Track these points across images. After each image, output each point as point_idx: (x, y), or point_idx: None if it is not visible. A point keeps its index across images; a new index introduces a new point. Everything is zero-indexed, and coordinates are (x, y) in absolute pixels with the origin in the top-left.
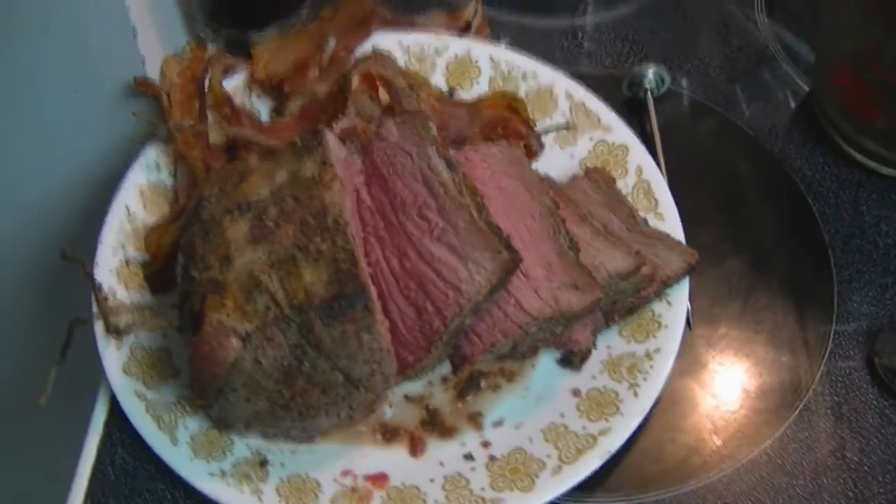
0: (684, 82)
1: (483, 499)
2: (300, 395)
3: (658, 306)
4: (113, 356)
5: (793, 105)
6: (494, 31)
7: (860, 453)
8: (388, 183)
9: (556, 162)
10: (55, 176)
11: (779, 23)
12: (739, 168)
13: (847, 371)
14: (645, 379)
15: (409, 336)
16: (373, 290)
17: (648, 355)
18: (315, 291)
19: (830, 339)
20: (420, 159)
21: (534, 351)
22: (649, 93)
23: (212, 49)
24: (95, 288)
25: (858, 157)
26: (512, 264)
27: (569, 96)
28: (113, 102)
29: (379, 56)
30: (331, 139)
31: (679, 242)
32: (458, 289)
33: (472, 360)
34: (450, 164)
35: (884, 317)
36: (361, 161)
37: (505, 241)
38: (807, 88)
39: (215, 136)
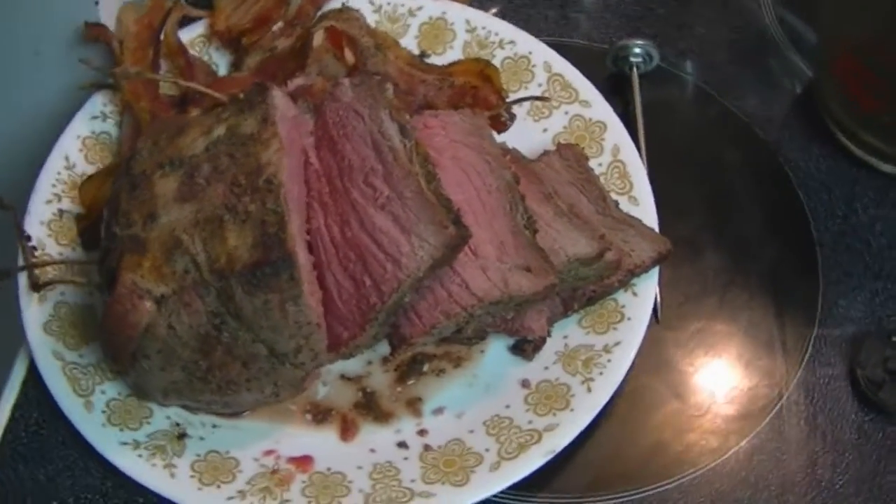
0: (675, 61)
1: (411, 491)
2: (218, 367)
3: (623, 297)
4: (34, 312)
5: (791, 92)
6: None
7: (832, 470)
8: (338, 146)
9: (528, 135)
10: None
11: (782, 2)
12: (728, 155)
13: (826, 380)
14: (601, 373)
15: (344, 310)
16: (304, 259)
17: (607, 349)
18: (238, 256)
19: (811, 344)
20: (372, 122)
21: (481, 336)
22: (635, 68)
23: None
24: (22, 239)
25: (857, 151)
26: (458, 240)
27: (547, 67)
28: (62, 47)
29: (346, 13)
30: (277, 96)
31: (651, 230)
32: (399, 262)
33: (411, 341)
34: (402, 130)
35: (871, 324)
36: (314, 121)
37: (453, 215)
38: (809, 75)
39: (165, 88)
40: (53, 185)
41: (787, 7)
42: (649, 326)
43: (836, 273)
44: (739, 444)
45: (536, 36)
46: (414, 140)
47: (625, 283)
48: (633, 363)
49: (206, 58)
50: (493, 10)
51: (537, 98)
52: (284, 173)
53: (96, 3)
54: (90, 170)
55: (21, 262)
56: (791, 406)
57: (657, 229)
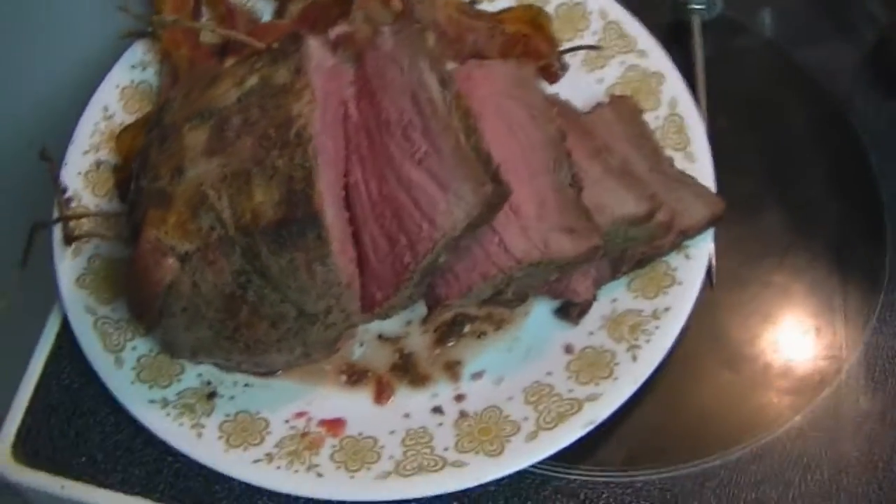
0: (741, 8)
1: (444, 460)
2: (245, 326)
3: (674, 259)
4: (68, 265)
5: (866, 44)
6: None
7: (891, 452)
8: (377, 97)
9: (582, 86)
10: (37, 72)
11: None
12: (793, 111)
13: (890, 353)
14: (648, 341)
15: (379, 269)
16: (335, 216)
17: (656, 314)
18: (263, 212)
19: (875, 314)
20: (411, 73)
21: (522, 298)
22: (696, 16)
23: None
24: (59, 190)
25: None
26: (497, 198)
27: (603, 14)
28: None
29: None
30: (312, 45)
31: (706, 189)
32: (434, 221)
33: (447, 302)
34: (443, 81)
35: None
36: (354, 71)
37: (492, 172)
38: (884, 25)
39: (205, 36)
40: (91, 136)
41: None
42: (702, 291)
43: None
44: (792, 421)
45: None
46: (455, 92)
47: (677, 245)
48: (684, 330)
49: (249, 4)
50: None
51: (590, 47)
52: (315, 126)
53: None
54: (129, 120)
55: (56, 215)
56: (850, 381)
57: (713, 188)
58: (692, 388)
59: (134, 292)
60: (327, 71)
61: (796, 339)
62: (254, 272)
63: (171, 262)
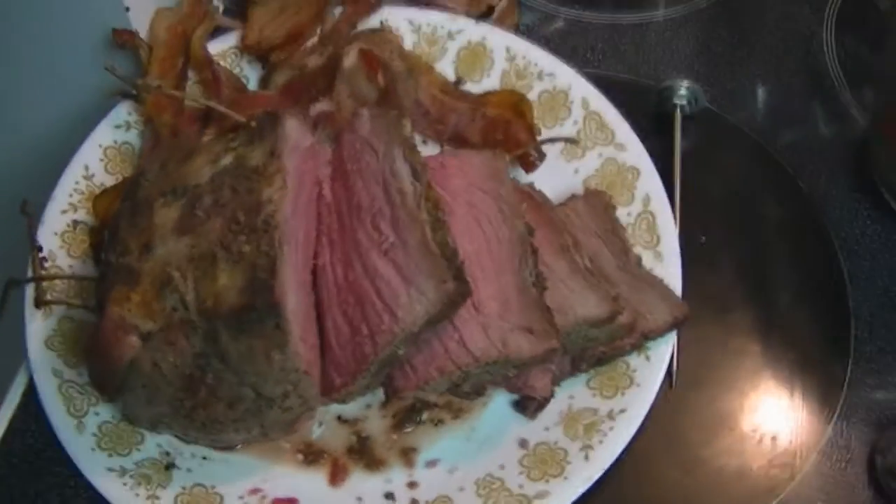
0: (724, 104)
1: None
2: (202, 406)
3: (635, 360)
4: (38, 326)
5: (844, 148)
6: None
7: None
8: (350, 181)
9: (559, 175)
10: (20, 127)
11: (848, 49)
12: (769, 210)
13: (842, 465)
14: (601, 442)
15: (340, 355)
16: (297, 302)
17: (612, 415)
18: (226, 299)
19: (830, 425)
20: (384, 160)
21: (479, 392)
22: (678, 110)
23: (213, 5)
24: (35, 248)
25: None
26: (457, 297)
27: (585, 103)
28: (90, 52)
29: (380, 34)
30: (290, 125)
31: (671, 292)
32: (395, 314)
33: (402, 394)
34: (414, 171)
35: None
36: (332, 151)
37: (455, 269)
38: (864, 131)
39: (189, 102)
40: (70, 195)
41: (854, 53)
42: (662, 390)
43: (868, 349)
44: None
45: (581, 67)
46: (425, 183)
47: (638, 347)
48: (642, 429)
49: (237, 70)
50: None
51: (569, 140)
52: (284, 213)
53: (127, 8)
54: (109, 181)
55: (30, 274)
56: (803, 490)
57: (680, 289)
58: (644, 490)
59: (96, 365)
60: (304, 151)
61: (752, 444)
62: (213, 355)
63: (133, 339)
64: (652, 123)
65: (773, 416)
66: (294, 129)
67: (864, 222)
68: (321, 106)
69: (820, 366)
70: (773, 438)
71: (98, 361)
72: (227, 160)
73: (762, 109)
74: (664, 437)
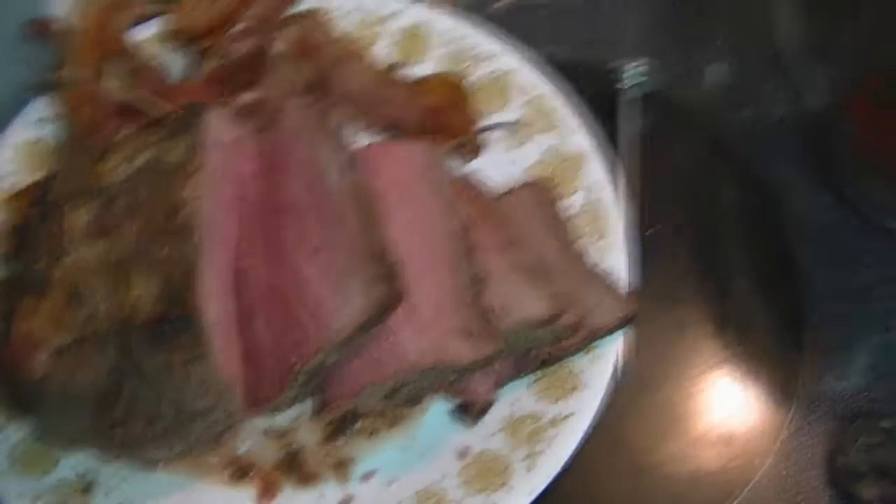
0: (673, 83)
1: None
2: (120, 424)
3: (580, 361)
4: None
5: (800, 130)
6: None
7: None
8: (277, 176)
9: (499, 164)
10: None
11: (802, 29)
12: (723, 195)
13: (800, 466)
14: (545, 450)
15: (266, 364)
16: (217, 312)
17: (555, 422)
18: (141, 308)
19: (787, 424)
20: (312, 154)
21: (416, 400)
22: (626, 92)
23: None
24: None
25: (864, 204)
26: (389, 301)
27: (526, 88)
28: (9, 44)
29: (311, 17)
30: (213, 118)
31: (619, 287)
32: (320, 321)
33: (334, 405)
34: (344, 165)
35: (857, 405)
36: (256, 146)
37: (387, 270)
38: (821, 112)
39: (109, 94)
40: None
41: (813, 32)
42: (608, 392)
43: (826, 339)
44: None
45: (527, 46)
46: (357, 178)
47: (584, 346)
48: (588, 434)
49: (162, 59)
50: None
51: (509, 126)
52: (204, 213)
53: None
54: (26, 181)
55: None
56: (759, 494)
57: (628, 283)
58: (591, 497)
59: (5, 383)
60: (227, 145)
61: (705, 447)
62: (129, 370)
63: (42, 356)
64: (601, 107)
65: (728, 416)
66: (217, 122)
67: (820, 209)
68: (247, 97)
69: (775, 361)
70: (728, 439)
71: (7, 378)
72: (144, 157)
73: (715, 91)
74: (611, 442)
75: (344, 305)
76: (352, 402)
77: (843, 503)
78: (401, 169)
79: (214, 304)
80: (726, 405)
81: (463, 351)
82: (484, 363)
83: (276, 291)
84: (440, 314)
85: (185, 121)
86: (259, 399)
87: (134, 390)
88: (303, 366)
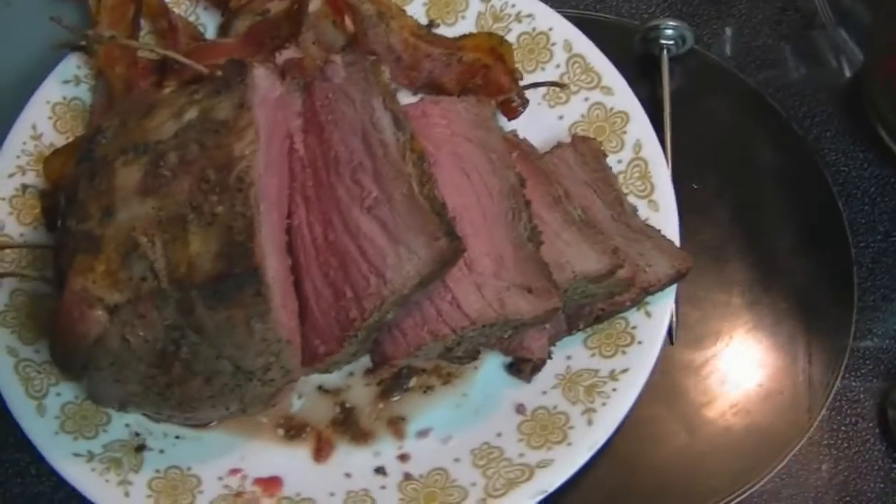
0: (711, 43)
1: None
2: (178, 383)
3: (634, 316)
4: None
5: (837, 86)
6: None
7: None
8: (325, 133)
9: (542, 122)
10: None
11: None
12: (762, 154)
13: (853, 419)
14: (604, 404)
15: (322, 322)
16: (276, 267)
17: (613, 375)
18: (200, 266)
19: (839, 377)
20: (363, 110)
21: (472, 356)
22: (665, 51)
23: None
24: None
25: None
26: (451, 255)
27: (567, 46)
28: (36, 3)
29: None
30: (259, 75)
31: (671, 243)
32: (383, 275)
33: (394, 361)
34: (397, 121)
35: None
36: (302, 101)
37: (446, 225)
38: (858, 66)
39: (143, 52)
40: (18, 157)
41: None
42: (662, 349)
43: (872, 297)
44: (752, 488)
45: (559, 8)
46: (409, 134)
47: (637, 302)
48: (644, 389)
49: (192, 18)
50: None
51: (554, 84)
52: (258, 170)
53: None
54: (60, 140)
55: None
56: (812, 447)
57: (678, 240)
58: (649, 451)
59: (58, 343)
60: (273, 102)
61: (757, 401)
62: (188, 327)
63: (98, 314)
64: (635, 66)
65: (779, 371)
66: (262, 79)
67: (861, 165)
68: (288, 53)
69: (824, 316)
70: (780, 394)
71: (61, 339)
72: (191, 114)
73: (750, 50)
74: (667, 397)
75: (406, 259)
76: (410, 359)
77: (894, 454)
78: (450, 125)
79: (273, 261)
80: (776, 361)
81: (523, 306)
82: (545, 318)
83: (332, 246)
84: (499, 269)
85: (231, 77)
86: (316, 356)
87: (192, 348)
88: (364, 321)
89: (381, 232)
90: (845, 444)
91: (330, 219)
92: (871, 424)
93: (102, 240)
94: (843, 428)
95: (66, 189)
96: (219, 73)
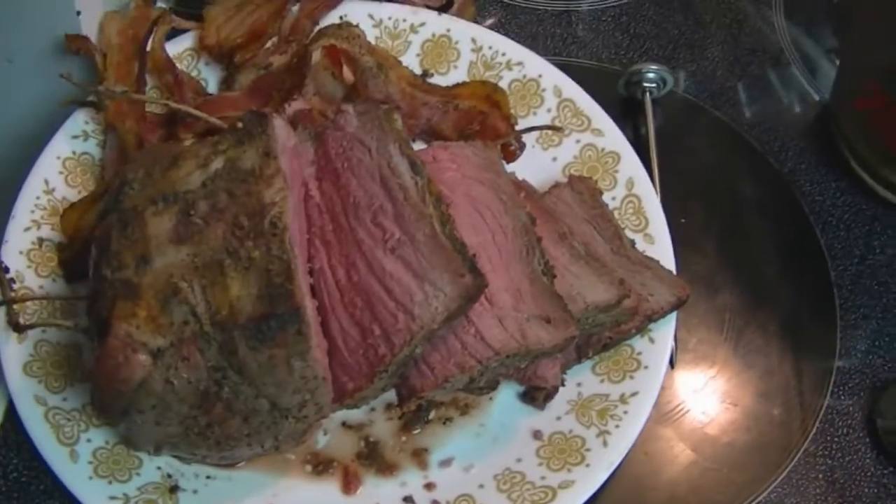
0: (687, 84)
1: None
2: (218, 423)
3: (639, 343)
4: (13, 351)
5: (806, 121)
6: (480, 11)
7: None
8: (342, 179)
9: (536, 165)
10: None
11: (798, 26)
12: (743, 188)
13: (844, 431)
14: (617, 426)
15: (350, 360)
16: (310, 307)
17: (623, 399)
18: (241, 308)
19: (828, 394)
20: (379, 156)
21: (493, 386)
22: (648, 94)
23: (159, 7)
24: (0, 271)
25: (877, 187)
26: (475, 290)
27: (557, 92)
28: (41, 60)
29: (346, 29)
30: (278, 125)
31: (669, 272)
32: (411, 312)
33: (422, 394)
34: (413, 165)
35: (891, 371)
36: (314, 150)
37: (469, 262)
38: (824, 102)
39: (152, 107)
40: (32, 211)
41: (804, 30)
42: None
43: (853, 316)
44: (756, 499)
45: (542, 55)
46: (426, 178)
47: (641, 329)
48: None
49: (194, 73)
50: (489, 22)
51: (550, 128)
52: (289, 215)
53: (78, 12)
54: (71, 194)
55: None
56: (808, 459)
57: (674, 270)
58: (658, 470)
59: (100, 388)
60: (290, 151)
61: (754, 418)
62: (230, 368)
63: (142, 358)
64: (617, 108)
65: (772, 390)
66: (282, 129)
67: (834, 194)
68: (297, 104)
69: (811, 336)
70: (775, 410)
71: (104, 384)
72: (217, 164)
73: (724, 90)
74: (670, 418)
75: (432, 296)
76: (437, 392)
77: (886, 461)
78: (460, 169)
79: (308, 302)
80: (769, 380)
81: (544, 335)
82: (563, 346)
83: (356, 287)
84: (518, 302)
85: (251, 128)
86: (345, 392)
87: (234, 388)
88: (394, 356)
89: (406, 271)
90: (839, 454)
91: (353, 261)
92: (861, 434)
93: (141, 287)
94: (835, 439)
95: (97, 240)
96: (239, 124)
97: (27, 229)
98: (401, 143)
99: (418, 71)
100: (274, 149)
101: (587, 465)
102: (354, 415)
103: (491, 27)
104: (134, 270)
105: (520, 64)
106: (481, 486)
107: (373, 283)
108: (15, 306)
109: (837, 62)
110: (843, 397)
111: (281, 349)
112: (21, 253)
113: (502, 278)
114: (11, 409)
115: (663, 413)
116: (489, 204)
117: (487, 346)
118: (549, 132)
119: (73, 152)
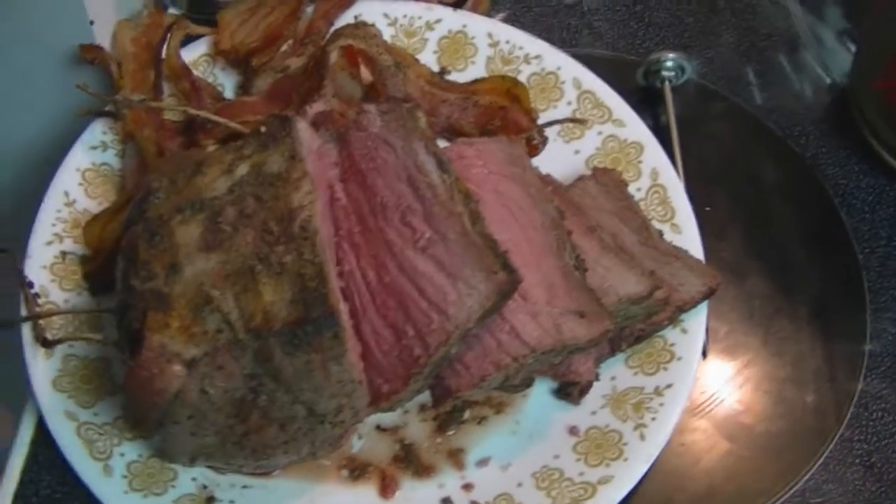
0: (703, 72)
1: None
2: (255, 431)
3: (671, 334)
4: (41, 367)
5: (825, 104)
6: (493, 5)
7: None
8: (368, 180)
9: (559, 158)
10: None
11: (814, 9)
12: (765, 173)
13: (879, 414)
14: (654, 419)
15: (384, 362)
16: (344, 309)
17: (658, 391)
18: (276, 313)
19: (861, 377)
20: (406, 155)
21: (528, 383)
22: (667, 83)
23: (172, 13)
24: (25, 287)
25: None
26: (509, 286)
27: (577, 84)
28: (55, 71)
29: (363, 29)
30: (302, 128)
31: (698, 261)
32: (445, 312)
33: (459, 394)
34: (441, 163)
35: None
36: (337, 152)
37: (502, 259)
38: (842, 85)
39: (170, 114)
40: (53, 225)
41: (820, 13)
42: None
43: (883, 299)
44: (795, 486)
45: (559, 48)
46: (454, 175)
47: (673, 320)
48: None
49: (211, 79)
50: (503, 15)
51: (572, 120)
52: (319, 218)
53: (91, 22)
54: (92, 205)
55: (24, 312)
56: (844, 445)
57: (703, 259)
58: (694, 460)
59: (134, 401)
60: (314, 153)
61: (788, 405)
62: (265, 375)
63: (177, 369)
64: (636, 98)
65: (805, 376)
66: (305, 131)
67: (857, 177)
68: (318, 106)
69: (841, 320)
70: (809, 398)
71: (139, 396)
72: (242, 169)
73: (742, 75)
74: (704, 408)
75: (466, 294)
76: (474, 391)
77: None
78: (486, 165)
79: (342, 305)
80: (802, 366)
81: (579, 330)
82: (598, 340)
83: (388, 288)
84: (551, 297)
85: (275, 132)
86: (380, 395)
87: (270, 395)
88: (430, 357)
89: (438, 270)
90: (875, 439)
91: (383, 262)
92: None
93: (171, 297)
94: (871, 423)
95: (124, 251)
96: (262, 128)
97: (49, 243)
98: (426, 142)
99: (436, 68)
100: (299, 152)
101: (625, 460)
102: (388, 418)
103: (505, 21)
104: (164, 280)
105: (538, 57)
106: (520, 484)
107: (404, 283)
108: (41, 322)
109: (851, 45)
110: (876, 381)
111: (317, 354)
112: (44, 267)
113: (534, 274)
114: (42, 425)
115: (697, 404)
116: (518, 199)
117: (523, 342)
118: (570, 125)
119: (93, 163)
